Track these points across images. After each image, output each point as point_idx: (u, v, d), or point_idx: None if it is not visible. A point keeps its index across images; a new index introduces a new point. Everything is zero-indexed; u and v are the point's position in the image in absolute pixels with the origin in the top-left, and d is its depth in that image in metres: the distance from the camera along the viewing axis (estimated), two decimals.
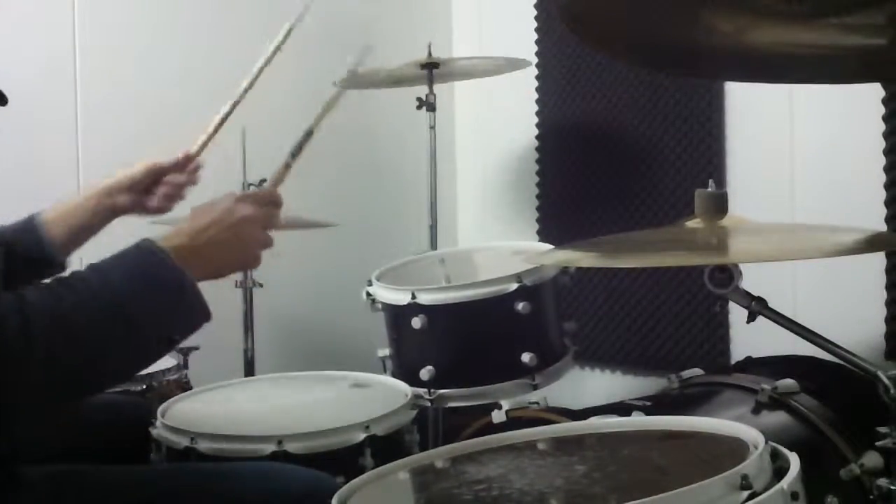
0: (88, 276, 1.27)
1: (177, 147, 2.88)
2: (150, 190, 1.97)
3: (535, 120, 3.24)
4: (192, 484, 1.49)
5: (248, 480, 1.51)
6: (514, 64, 2.88)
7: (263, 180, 2.64)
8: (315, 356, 2.97)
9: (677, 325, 2.87)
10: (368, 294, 2.32)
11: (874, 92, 2.40)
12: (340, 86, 1.97)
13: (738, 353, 2.70)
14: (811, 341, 1.64)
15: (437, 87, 2.90)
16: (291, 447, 1.77)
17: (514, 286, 2.17)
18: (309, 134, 1.67)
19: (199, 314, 1.32)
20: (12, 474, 1.34)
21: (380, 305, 2.31)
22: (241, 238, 1.41)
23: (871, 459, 1.62)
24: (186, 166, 2.01)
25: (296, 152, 1.64)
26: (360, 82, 2.73)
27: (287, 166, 1.62)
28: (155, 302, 1.28)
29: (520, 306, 2.17)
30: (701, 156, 2.83)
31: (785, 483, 1.18)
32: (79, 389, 1.27)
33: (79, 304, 1.22)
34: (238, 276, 2.62)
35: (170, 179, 1.99)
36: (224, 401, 2.12)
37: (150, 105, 2.88)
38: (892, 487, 1.49)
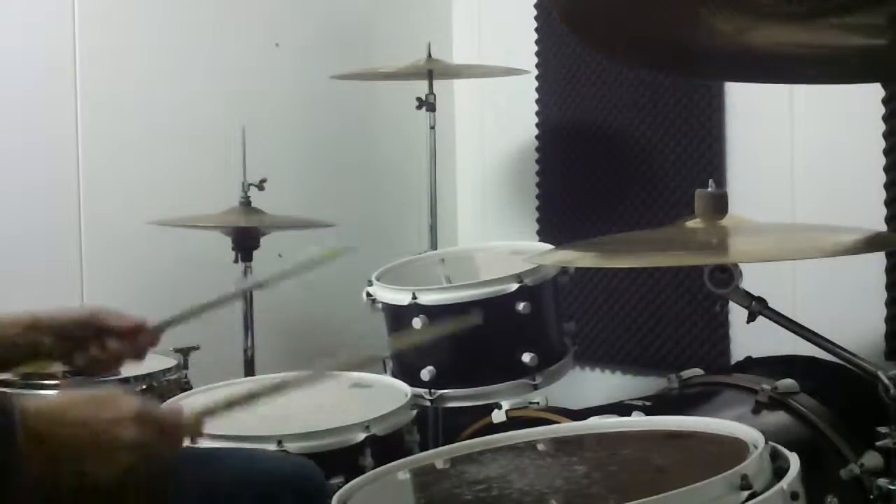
0: None
1: (176, 148, 2.92)
2: (82, 344, 1.56)
3: (535, 119, 3.24)
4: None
5: (230, 463, 1.50)
6: (513, 73, 2.91)
7: (264, 180, 2.66)
8: (315, 356, 2.96)
9: (677, 325, 2.86)
10: (368, 294, 2.32)
11: (874, 92, 2.40)
12: None
13: (738, 353, 2.69)
14: (811, 341, 1.64)
15: (437, 87, 2.90)
16: (291, 447, 1.78)
17: (514, 286, 2.17)
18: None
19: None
20: None
21: (380, 305, 2.31)
22: (111, 458, 1.13)
23: (871, 459, 1.62)
24: (133, 336, 1.59)
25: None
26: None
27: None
28: None
29: (520, 306, 2.17)
30: (701, 156, 2.82)
31: (785, 483, 1.18)
32: None
33: None
34: (238, 276, 2.62)
35: (110, 344, 1.57)
36: None
37: (151, 106, 2.87)
38: (892, 487, 1.49)
